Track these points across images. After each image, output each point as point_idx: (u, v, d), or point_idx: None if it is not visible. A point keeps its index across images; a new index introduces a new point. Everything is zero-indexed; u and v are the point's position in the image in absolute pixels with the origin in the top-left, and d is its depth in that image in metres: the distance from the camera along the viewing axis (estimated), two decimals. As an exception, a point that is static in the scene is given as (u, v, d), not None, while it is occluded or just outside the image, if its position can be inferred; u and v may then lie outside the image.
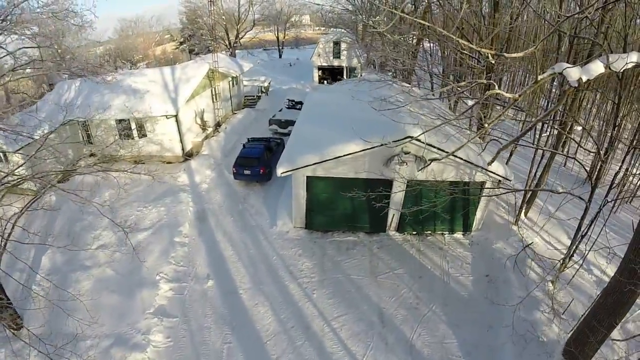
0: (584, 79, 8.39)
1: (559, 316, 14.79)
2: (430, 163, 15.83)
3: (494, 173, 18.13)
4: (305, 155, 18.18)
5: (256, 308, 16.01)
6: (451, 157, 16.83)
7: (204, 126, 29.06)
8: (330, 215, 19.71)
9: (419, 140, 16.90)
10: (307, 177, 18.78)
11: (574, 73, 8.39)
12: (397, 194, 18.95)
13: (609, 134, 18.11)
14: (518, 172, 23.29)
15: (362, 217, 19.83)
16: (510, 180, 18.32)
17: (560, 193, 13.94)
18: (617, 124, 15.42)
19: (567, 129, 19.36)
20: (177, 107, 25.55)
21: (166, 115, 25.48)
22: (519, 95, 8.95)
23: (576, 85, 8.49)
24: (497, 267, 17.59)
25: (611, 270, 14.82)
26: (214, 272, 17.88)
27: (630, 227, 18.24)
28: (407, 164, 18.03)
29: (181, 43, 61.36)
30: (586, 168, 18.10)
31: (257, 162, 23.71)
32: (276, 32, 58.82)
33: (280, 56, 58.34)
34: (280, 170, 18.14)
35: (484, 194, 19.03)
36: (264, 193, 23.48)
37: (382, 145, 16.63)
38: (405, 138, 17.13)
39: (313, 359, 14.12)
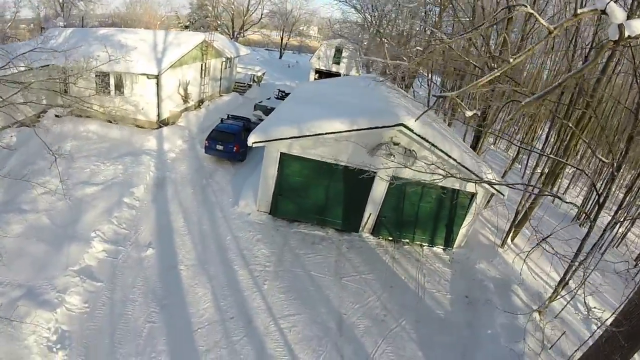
0: (627, 33, 6.22)
1: (546, 350, 12.39)
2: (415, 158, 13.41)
3: (488, 183, 15.28)
4: (282, 127, 15.51)
5: (194, 289, 13.20)
6: (444, 158, 14.69)
7: (185, 98, 26.25)
8: (300, 203, 17.06)
9: (411, 131, 14.73)
10: (281, 153, 16.14)
11: (619, 13, 6.18)
12: (378, 191, 16.58)
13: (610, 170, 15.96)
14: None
15: (334, 212, 17.23)
16: (504, 196, 16.03)
17: (567, 203, 11.58)
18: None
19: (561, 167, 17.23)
20: (160, 68, 22.79)
21: (147, 75, 22.70)
22: (555, 28, 6.83)
23: (615, 38, 6.31)
24: (478, 288, 15.10)
25: (598, 311, 13.11)
26: (157, 241, 15.02)
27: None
28: (394, 157, 15.48)
29: (186, 27, 58.65)
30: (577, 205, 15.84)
31: (232, 138, 21.00)
32: (281, 33, 56.60)
33: (280, 57, 56.01)
34: (251, 139, 15.49)
35: (472, 207, 16.71)
36: (234, 172, 20.73)
37: (370, 129, 14.26)
38: (396, 125, 14.84)
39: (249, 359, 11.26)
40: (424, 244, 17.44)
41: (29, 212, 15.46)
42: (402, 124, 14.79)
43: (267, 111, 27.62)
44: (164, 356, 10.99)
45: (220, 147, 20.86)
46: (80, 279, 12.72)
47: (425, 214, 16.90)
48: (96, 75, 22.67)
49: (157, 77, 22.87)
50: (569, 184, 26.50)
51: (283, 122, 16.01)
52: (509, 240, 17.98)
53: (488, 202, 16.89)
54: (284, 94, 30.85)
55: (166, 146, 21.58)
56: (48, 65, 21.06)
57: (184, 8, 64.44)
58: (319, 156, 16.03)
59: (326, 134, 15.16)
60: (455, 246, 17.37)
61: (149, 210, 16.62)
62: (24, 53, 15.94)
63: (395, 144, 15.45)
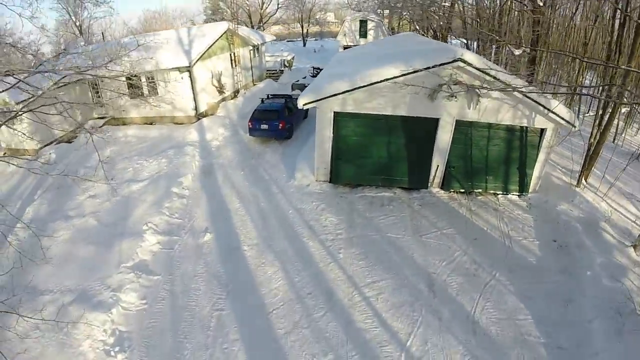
0: None
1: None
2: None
3: (558, 116, 13.14)
4: (334, 83, 13.31)
5: (262, 268, 11.22)
6: (508, 93, 12.75)
7: (220, 89, 24.46)
8: (361, 165, 14.76)
9: (471, 65, 12.38)
10: (334, 113, 13.94)
11: None
12: (443, 139, 14.17)
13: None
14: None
15: (399, 169, 14.83)
16: (575, 127, 13.69)
17: None
18: None
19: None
20: (191, 59, 21.02)
21: (179, 69, 21.00)
22: None
23: None
24: (565, 231, 12.66)
25: None
26: (213, 225, 13.12)
27: None
28: (456, 98, 13.20)
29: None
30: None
31: (276, 115, 18.94)
32: (300, 21, 54.52)
33: (304, 44, 53.94)
34: (302, 101, 13.44)
35: (543, 145, 14.13)
36: (282, 150, 18.61)
37: (427, 69, 12.03)
38: (455, 60, 12.44)
39: (338, 338, 9.21)
40: (497, 192, 14.83)
41: (75, 218, 14.07)
42: (460, 59, 12.41)
43: (305, 89, 25.48)
44: (238, 345, 9.03)
45: (264, 127, 18.85)
46: (135, 275, 11.04)
47: (495, 158, 14.50)
48: (127, 79, 21.09)
49: (189, 69, 21.15)
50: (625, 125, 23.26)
51: (333, 78, 13.77)
52: (583, 179, 15.18)
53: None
54: (318, 70, 28.66)
55: (208, 136, 19.75)
56: (77, 80, 19.76)
57: (199, 16, 63.41)
58: (375, 110, 13.81)
59: (382, 81, 12.85)
60: (530, 191, 14.79)
61: (200, 197, 14.76)
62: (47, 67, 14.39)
63: (456, 83, 13.06)
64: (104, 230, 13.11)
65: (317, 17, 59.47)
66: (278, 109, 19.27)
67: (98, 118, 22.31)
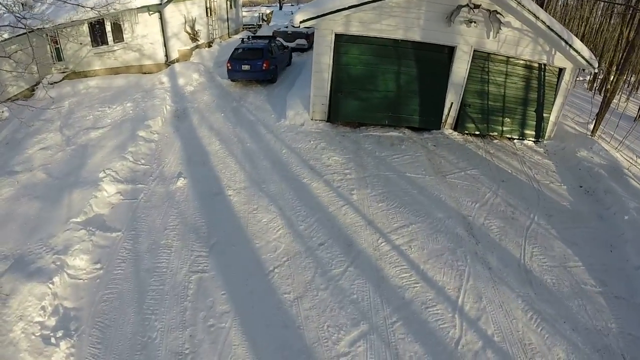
0: None
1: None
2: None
3: (579, 54, 11.08)
4: None
5: (255, 216, 8.05)
6: (530, 21, 10.54)
7: (194, 36, 20.53)
8: (365, 100, 11.58)
9: None
10: (336, 35, 10.72)
11: None
12: (459, 71, 11.39)
13: None
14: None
15: (409, 106, 11.76)
16: (595, 68, 12.11)
17: None
18: None
19: None
20: (162, -2, 17.00)
21: (148, 9, 16.96)
22: None
23: None
24: (589, 176, 10.44)
25: None
26: (189, 170, 9.77)
27: None
28: (476, 24, 10.58)
29: None
30: None
31: (260, 54, 15.41)
32: (277, -14, 50.45)
33: (280, 8, 49.83)
34: (299, 17, 10.18)
35: (561, 86, 12.02)
36: (267, 92, 15.13)
37: None
38: None
39: (368, 300, 6.25)
40: (513, 137, 12.37)
41: (21, 172, 10.37)
42: None
43: (288, 36, 21.84)
44: (228, 320, 5.90)
45: (246, 67, 15.29)
46: (86, 232, 7.68)
47: (513, 98, 12.02)
48: (90, 26, 17.07)
49: (160, 11, 17.21)
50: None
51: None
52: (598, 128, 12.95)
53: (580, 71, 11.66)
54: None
55: (181, 81, 16.07)
56: (33, 30, 15.74)
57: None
58: (384, 33, 10.72)
59: None
60: (546, 137, 12.49)
61: (172, 141, 11.28)
62: None
63: (476, 5, 10.36)
64: (54, 184, 9.57)
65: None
66: (262, 47, 15.72)
67: (58, 73, 18.20)
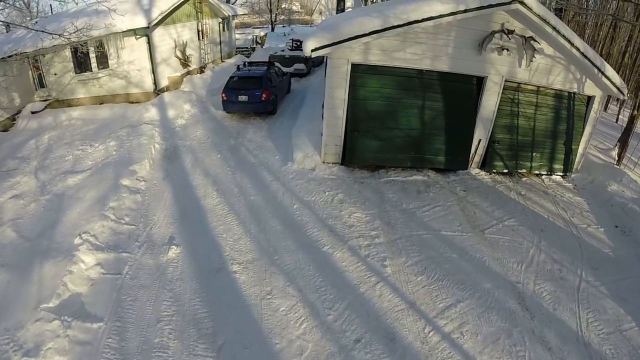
0: None
1: None
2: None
3: (611, 81, 10.29)
4: (355, 20, 8.61)
5: (269, 303, 6.52)
6: (565, 48, 9.62)
7: (185, 61, 19.07)
8: (385, 139, 10.20)
9: (530, 10, 8.94)
10: (352, 65, 9.30)
11: None
12: (489, 105, 10.27)
13: None
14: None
15: (433, 145, 10.46)
16: (624, 96, 11.19)
17: None
18: None
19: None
20: (150, 19, 15.54)
21: (135, 32, 15.44)
22: None
23: None
24: (623, 214, 9.53)
25: None
26: (182, 233, 8.16)
27: None
28: (509, 51, 9.49)
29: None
30: None
31: (258, 83, 13.95)
32: (269, 5, 48.86)
33: (272, 29, 48.48)
34: (311, 45, 8.70)
35: (590, 116, 11.21)
36: (267, 127, 13.66)
37: (481, 8, 8.10)
38: (512, 1, 8.63)
39: None
40: (542, 173, 11.40)
41: (-12, 228, 8.69)
42: (520, 1, 8.69)
43: (286, 61, 20.45)
44: None
45: (243, 98, 13.82)
46: (61, 324, 6.11)
47: (542, 131, 11.03)
48: (73, 51, 15.52)
49: (148, 35, 15.75)
50: None
51: (353, 17, 9.08)
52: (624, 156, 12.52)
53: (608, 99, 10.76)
54: (298, 43, 23.56)
55: (171, 113, 14.55)
56: (11, 55, 14.30)
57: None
58: (408, 62, 9.44)
59: (425, 20, 8.52)
60: (573, 170, 11.61)
61: (161, 191, 9.70)
62: None
63: (510, 31, 9.30)
64: (23, 247, 7.97)
65: (283, 6, 53.76)
66: (260, 75, 14.28)
67: (40, 101, 16.56)
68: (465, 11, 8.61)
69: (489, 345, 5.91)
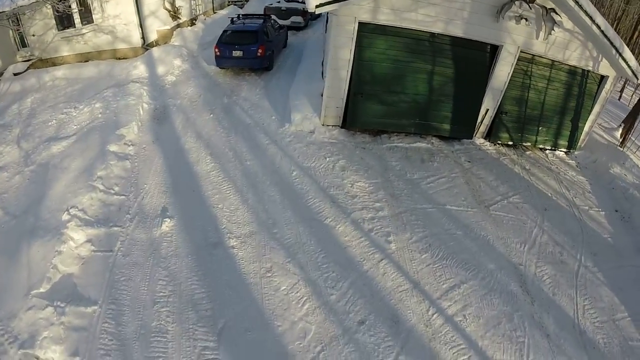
0: None
1: None
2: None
3: (626, 62, 9.69)
4: None
5: (270, 281, 6.19)
6: (585, 24, 9.00)
7: (175, 13, 17.97)
8: (390, 104, 9.65)
9: None
10: (359, 24, 8.58)
11: None
12: (501, 75, 9.68)
13: None
14: None
15: (440, 112, 9.97)
16: (638, 79, 10.37)
17: None
18: None
19: None
20: (137, -32, 14.46)
21: (120, -17, 14.39)
22: None
23: None
24: (624, 199, 9.36)
25: None
26: (176, 204, 7.75)
27: None
28: (527, 21, 8.92)
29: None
30: None
31: (254, 38, 13.12)
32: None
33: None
34: (315, 0, 7.71)
35: (601, 95, 10.78)
36: (264, 84, 12.97)
37: None
38: None
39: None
40: (546, 147, 11.15)
41: (-30, 204, 8.28)
42: None
43: (282, 13, 19.37)
44: None
45: (237, 53, 13.02)
46: (54, 310, 5.80)
47: (552, 106, 10.64)
48: (54, 6, 14.48)
49: (134, -16, 14.69)
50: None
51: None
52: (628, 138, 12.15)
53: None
54: (295, -5, 22.33)
55: (161, 69, 13.78)
56: None
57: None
58: (420, 24, 8.73)
59: None
60: (577, 147, 11.38)
61: (151, 157, 9.21)
62: None
63: (531, 1, 8.58)
64: (10, 226, 7.54)
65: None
66: (256, 29, 13.40)
67: (23, 61, 15.65)
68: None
69: (490, 330, 5.86)
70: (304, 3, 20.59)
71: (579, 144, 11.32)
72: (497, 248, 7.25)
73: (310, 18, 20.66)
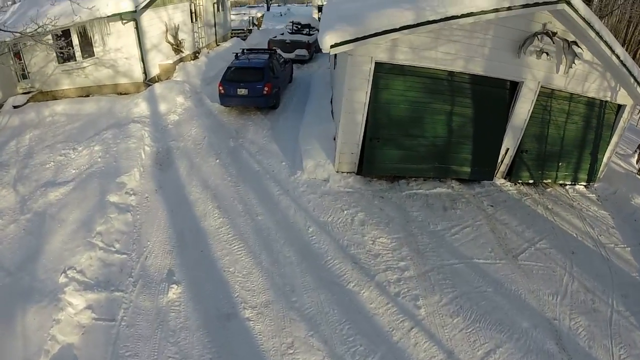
0: None
1: None
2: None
3: None
4: (385, 11, 7.53)
5: (293, 359, 5.63)
6: (605, 55, 8.90)
7: (178, 47, 17.81)
8: (409, 148, 9.28)
9: (576, 12, 8.11)
10: (376, 64, 8.23)
11: None
12: (521, 112, 9.44)
13: None
14: None
15: (460, 155, 9.62)
16: None
17: None
18: None
19: None
20: (138, 2, 14.21)
21: (121, 17, 14.13)
22: None
23: None
24: None
25: None
26: (183, 265, 7.24)
27: None
28: (548, 56, 8.67)
29: None
30: None
31: (259, 75, 12.83)
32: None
33: (268, 9, 46.57)
34: (331, 40, 7.53)
35: (618, 125, 10.74)
36: (271, 124, 12.62)
37: (526, 6, 7.79)
38: (558, 1, 7.71)
39: None
40: (566, 183, 10.98)
41: (-38, 255, 7.79)
42: (566, 1, 7.91)
43: (286, 46, 19.22)
44: None
45: (242, 92, 12.70)
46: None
47: (570, 140, 10.49)
48: (55, 39, 14.24)
49: (136, 19, 14.47)
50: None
51: (376, 4, 8.00)
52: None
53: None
54: (299, 26, 22.21)
55: (163, 107, 13.45)
56: None
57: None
58: (439, 63, 8.44)
59: (463, 16, 7.48)
60: (596, 179, 11.25)
61: (154, 208, 8.73)
62: None
63: (552, 33, 8.41)
64: (4, 282, 7.02)
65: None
66: (261, 66, 13.11)
67: (23, 93, 15.32)
68: (509, 8, 7.65)
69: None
70: (309, 35, 20.69)
71: (598, 176, 11.16)
72: (529, 303, 6.86)
73: (315, 50, 20.55)
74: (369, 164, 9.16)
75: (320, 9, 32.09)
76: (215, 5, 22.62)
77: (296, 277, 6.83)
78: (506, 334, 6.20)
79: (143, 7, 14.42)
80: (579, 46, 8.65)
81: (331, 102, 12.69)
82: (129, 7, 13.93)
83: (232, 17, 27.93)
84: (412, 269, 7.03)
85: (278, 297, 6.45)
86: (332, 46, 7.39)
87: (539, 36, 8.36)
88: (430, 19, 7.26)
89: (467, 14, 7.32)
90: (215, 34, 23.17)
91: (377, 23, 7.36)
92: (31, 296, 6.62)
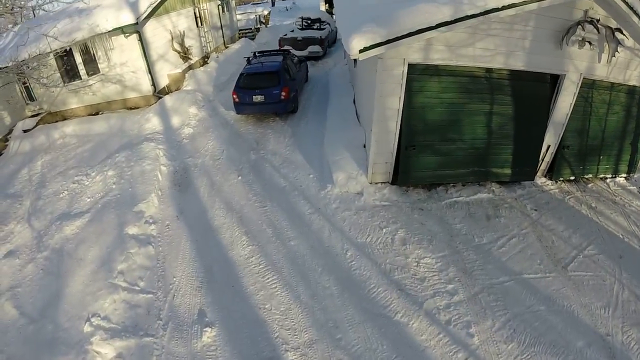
0: None
1: None
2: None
3: None
4: (417, 8, 6.83)
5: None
6: None
7: (185, 54, 17.36)
8: (446, 154, 8.66)
9: None
10: (409, 66, 7.57)
11: None
12: (563, 106, 8.75)
13: None
14: None
15: (500, 157, 8.98)
16: None
17: None
18: None
19: None
20: (139, 13, 13.79)
21: (122, 31, 13.72)
22: None
23: None
24: None
25: None
26: (213, 304, 6.79)
27: None
28: (591, 45, 7.96)
29: None
30: None
31: (275, 79, 12.24)
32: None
33: (273, 4, 45.77)
34: (359, 43, 6.78)
35: None
36: (292, 130, 12.09)
37: None
38: None
39: None
40: (606, 176, 10.31)
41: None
42: None
43: (298, 43, 18.62)
44: None
45: (258, 98, 12.17)
46: None
47: (611, 131, 9.80)
48: (58, 58, 13.94)
49: (138, 31, 14.04)
50: None
51: (401, 4, 7.34)
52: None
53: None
54: (309, 22, 21.53)
55: (175, 121, 13.02)
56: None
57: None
58: (477, 60, 7.77)
59: (504, 8, 6.75)
60: (636, 170, 10.54)
61: (177, 237, 8.31)
62: None
63: (595, 20, 7.66)
64: (27, 332, 6.74)
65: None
66: (276, 69, 12.51)
67: (31, 116, 15.11)
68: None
69: None
70: (320, 30, 20.05)
71: (638, 166, 10.53)
72: (582, 319, 6.29)
73: (328, 45, 19.89)
74: (405, 174, 8.57)
75: (327, 0, 31.29)
76: (220, 7, 22.10)
77: (338, 310, 6.32)
78: (561, 357, 5.69)
79: (145, 18, 13.98)
80: (622, 33, 7.92)
81: (354, 102, 12.10)
82: (129, 19, 13.56)
83: (238, 16, 27.38)
84: (461, 292, 6.46)
85: (321, 335, 5.95)
86: (361, 51, 6.73)
87: (582, 24, 7.66)
88: (470, 13, 6.58)
89: (509, 5, 6.63)
90: (223, 36, 22.67)
91: (411, 22, 6.69)
92: (57, 348, 6.32)
